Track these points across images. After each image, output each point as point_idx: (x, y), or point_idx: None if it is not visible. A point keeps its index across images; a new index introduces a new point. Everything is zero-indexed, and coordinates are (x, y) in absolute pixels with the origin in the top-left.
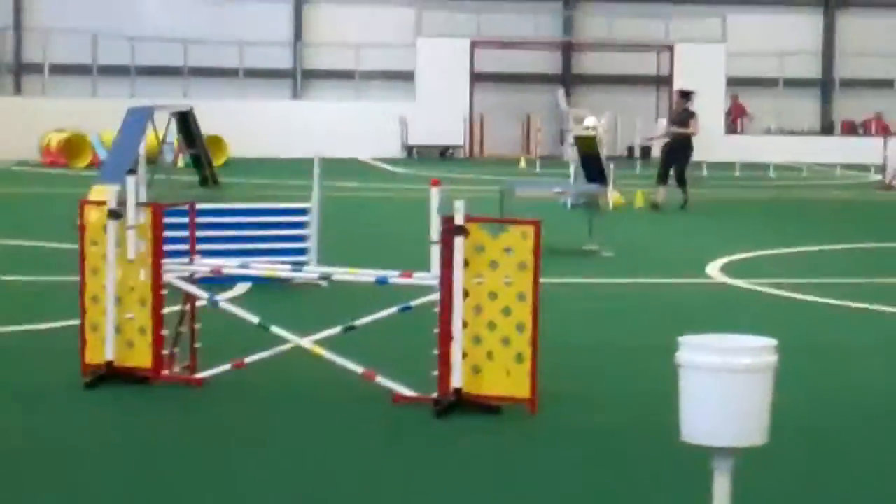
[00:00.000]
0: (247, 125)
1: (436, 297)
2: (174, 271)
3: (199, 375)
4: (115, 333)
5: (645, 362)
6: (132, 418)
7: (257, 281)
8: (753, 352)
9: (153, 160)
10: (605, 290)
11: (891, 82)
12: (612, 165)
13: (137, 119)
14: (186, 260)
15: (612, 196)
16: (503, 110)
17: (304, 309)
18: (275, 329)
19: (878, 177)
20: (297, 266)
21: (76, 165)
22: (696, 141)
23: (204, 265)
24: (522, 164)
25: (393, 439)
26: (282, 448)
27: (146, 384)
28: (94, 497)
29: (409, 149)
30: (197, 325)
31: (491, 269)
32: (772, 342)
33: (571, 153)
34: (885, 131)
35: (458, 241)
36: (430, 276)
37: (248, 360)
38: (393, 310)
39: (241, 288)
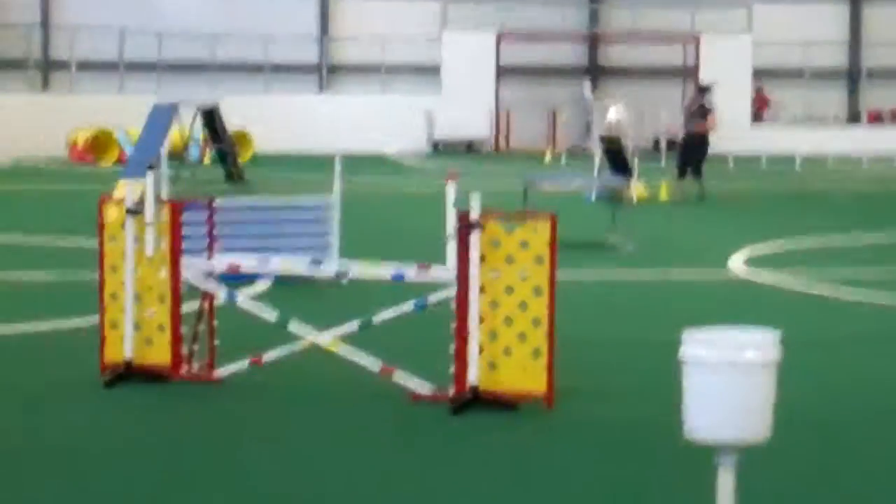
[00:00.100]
0: (273, 120)
1: (452, 292)
2: (193, 268)
3: (217, 373)
4: (134, 331)
5: (662, 357)
6: (151, 416)
7: (275, 278)
8: (756, 346)
9: (179, 156)
10: (625, 284)
11: None
12: (636, 158)
13: (162, 115)
14: (205, 257)
15: (636, 189)
16: (529, 103)
17: (324, 305)
18: (292, 326)
19: None
20: (315, 262)
21: (103, 162)
22: (722, 131)
23: (222, 262)
24: (548, 157)
25: (410, 436)
26: (298, 446)
27: (165, 382)
28: (113, 494)
29: (434, 143)
30: (215, 323)
31: (507, 263)
32: (775, 336)
33: (597, 141)
34: None
35: (474, 236)
36: (446, 271)
37: (265, 357)
38: (410, 305)
39: (262, 284)
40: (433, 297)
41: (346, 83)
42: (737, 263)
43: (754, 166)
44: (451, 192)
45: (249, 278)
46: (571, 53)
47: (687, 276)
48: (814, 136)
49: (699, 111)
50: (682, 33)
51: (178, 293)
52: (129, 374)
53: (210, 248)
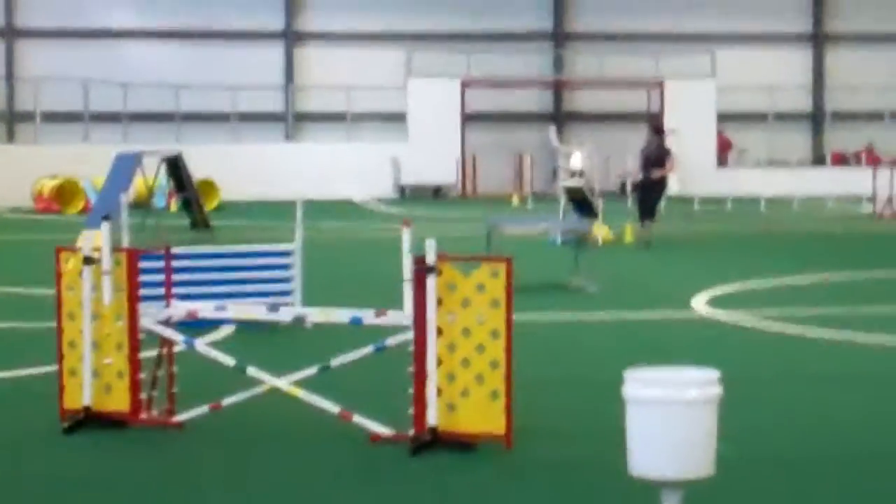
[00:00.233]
0: (240, 168)
1: (410, 335)
2: (150, 316)
3: (177, 418)
4: (93, 378)
5: (620, 397)
6: (111, 462)
7: (238, 323)
8: (697, 384)
9: (144, 205)
10: (587, 326)
11: (881, 114)
12: (601, 201)
13: (125, 165)
14: (163, 304)
15: (602, 231)
16: (495, 149)
17: (284, 349)
18: (251, 371)
19: (870, 207)
20: (273, 307)
21: (69, 211)
22: (686, 174)
23: (180, 309)
24: (515, 201)
25: (370, 478)
26: (259, 490)
27: (125, 428)
28: None
29: (402, 189)
30: (175, 369)
31: (463, 306)
32: (715, 374)
33: (561, 190)
34: (875, 162)
35: (430, 280)
36: (403, 316)
37: (225, 402)
38: (368, 349)
39: (224, 330)
40: (391, 341)
41: (313, 131)
42: (700, 303)
43: (719, 208)
44: (406, 237)
45: (213, 324)
46: (537, 99)
47: (649, 317)
48: (778, 179)
49: (656, 155)
50: (646, 79)
51: (135, 340)
52: (88, 420)
53: (168, 296)
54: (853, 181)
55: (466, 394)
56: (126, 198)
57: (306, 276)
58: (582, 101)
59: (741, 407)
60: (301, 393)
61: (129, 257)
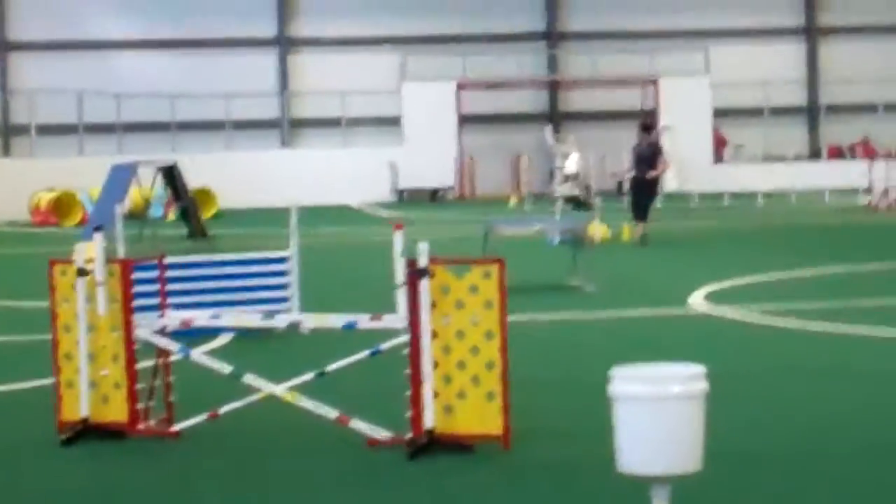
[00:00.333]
0: (237, 176)
1: (405, 339)
2: (146, 326)
3: (175, 428)
4: (90, 389)
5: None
6: (109, 473)
7: (236, 331)
8: (683, 380)
9: (140, 215)
10: (584, 325)
11: (875, 106)
12: (598, 200)
13: (120, 176)
14: (158, 314)
15: (599, 230)
16: (492, 150)
17: (281, 356)
18: (248, 378)
19: (866, 200)
20: (268, 315)
21: (66, 224)
22: (683, 172)
23: (175, 318)
24: (513, 202)
25: (369, 483)
26: (258, 497)
27: (122, 439)
28: None
29: (399, 193)
30: (171, 378)
31: (457, 308)
32: (701, 369)
33: (559, 190)
34: (871, 154)
35: (423, 283)
36: (397, 319)
37: (222, 410)
38: (364, 354)
39: (221, 339)
40: (387, 345)
41: (308, 137)
42: (697, 300)
43: (716, 205)
44: (398, 241)
45: (209, 333)
46: (532, 100)
47: (647, 315)
48: (775, 173)
49: (647, 153)
50: (640, 77)
51: (131, 351)
52: (86, 431)
53: (163, 305)
54: (849, 174)
55: (463, 396)
56: (121, 209)
57: (303, 282)
58: (577, 100)
59: (737, 402)
60: (298, 399)
61: (122, 268)
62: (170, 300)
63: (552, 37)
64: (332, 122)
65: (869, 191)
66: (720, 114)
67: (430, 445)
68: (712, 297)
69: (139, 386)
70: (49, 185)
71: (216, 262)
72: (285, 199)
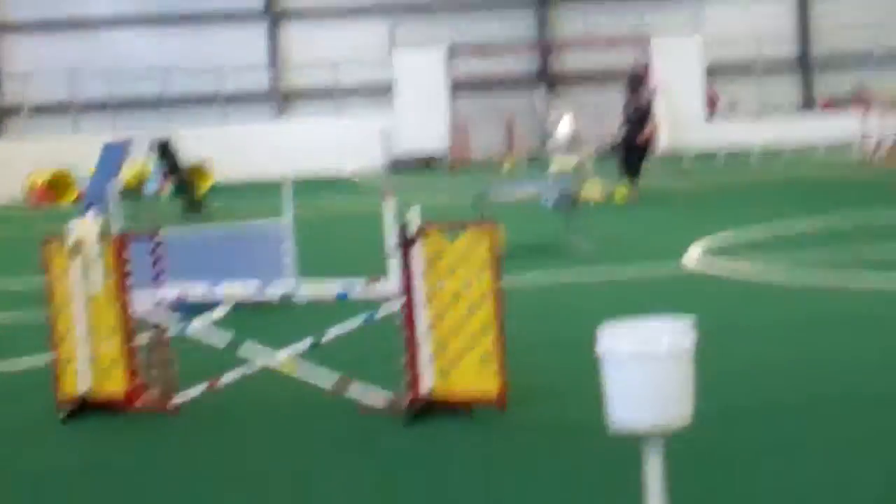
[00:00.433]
0: (230, 149)
1: (399, 304)
2: (142, 300)
3: (174, 401)
4: (89, 366)
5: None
6: (109, 447)
7: (233, 304)
8: (670, 334)
9: (135, 192)
10: (579, 285)
11: (870, 53)
12: (592, 162)
13: (113, 154)
14: (153, 288)
15: (593, 191)
16: (485, 115)
17: (278, 327)
18: (245, 349)
19: (861, 152)
20: (264, 285)
21: (63, 203)
22: (676, 130)
23: (171, 292)
24: (507, 166)
25: (367, 448)
26: (258, 466)
27: (121, 413)
28: None
29: (392, 161)
30: (169, 352)
31: (451, 273)
32: (688, 324)
33: (551, 152)
34: (865, 105)
35: (416, 249)
36: (391, 286)
37: (220, 382)
38: (358, 321)
39: (218, 311)
40: (382, 311)
41: (300, 108)
42: (693, 257)
43: (710, 162)
44: (389, 208)
45: (206, 306)
46: (524, 62)
47: (642, 273)
48: (769, 129)
49: (636, 113)
50: (632, 36)
51: (128, 325)
52: (85, 407)
53: (157, 279)
54: (844, 126)
55: (458, 359)
56: (115, 186)
57: (299, 251)
58: (569, 61)
59: (728, 355)
60: (296, 368)
61: (117, 243)
62: (166, 274)
63: None
64: (323, 93)
65: (863, 143)
66: (713, 71)
67: (427, 409)
68: (707, 254)
69: (137, 361)
70: (44, 166)
71: (212, 234)
72: (280, 171)
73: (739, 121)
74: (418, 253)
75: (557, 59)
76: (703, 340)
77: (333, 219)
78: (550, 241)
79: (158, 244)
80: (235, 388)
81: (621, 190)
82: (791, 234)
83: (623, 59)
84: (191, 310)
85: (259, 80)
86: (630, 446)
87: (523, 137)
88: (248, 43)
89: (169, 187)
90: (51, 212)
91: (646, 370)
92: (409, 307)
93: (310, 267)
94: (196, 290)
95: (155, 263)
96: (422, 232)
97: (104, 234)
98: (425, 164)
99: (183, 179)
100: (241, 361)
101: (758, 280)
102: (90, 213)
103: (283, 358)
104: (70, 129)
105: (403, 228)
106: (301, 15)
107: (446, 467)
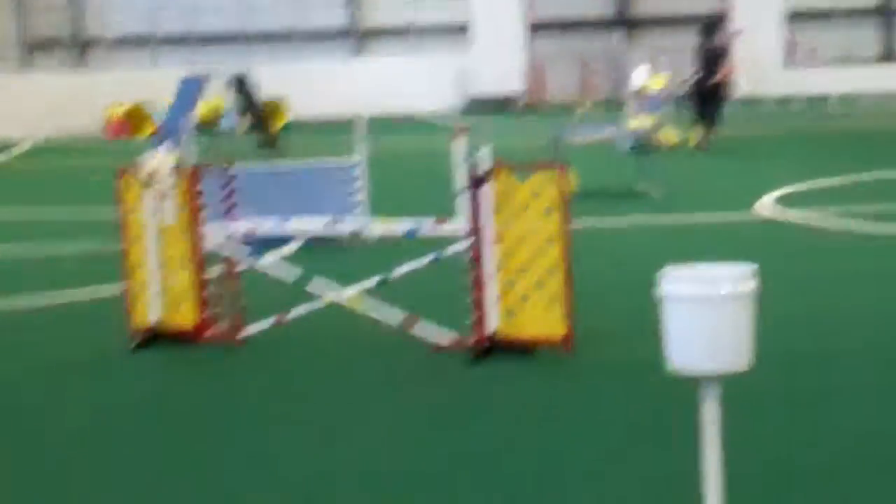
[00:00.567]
0: (307, 86)
1: (467, 244)
2: (214, 234)
3: (243, 334)
4: (159, 297)
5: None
6: (178, 377)
7: (304, 239)
8: (732, 279)
9: (211, 126)
10: (650, 230)
11: None
12: (668, 106)
13: (190, 88)
14: (225, 222)
15: (669, 136)
16: (561, 57)
17: (348, 264)
18: (313, 285)
19: None
20: (334, 221)
21: (140, 136)
22: (754, 75)
23: (242, 226)
24: (582, 109)
25: (432, 385)
26: (322, 402)
27: (191, 344)
28: (136, 458)
29: (468, 101)
30: (239, 286)
31: (520, 213)
32: (750, 269)
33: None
34: None
35: (486, 189)
36: (459, 225)
37: (288, 317)
38: (426, 260)
39: (289, 247)
40: (450, 250)
41: (378, 46)
42: (765, 204)
43: (788, 109)
44: (460, 147)
45: (277, 241)
46: (603, 5)
47: (714, 220)
48: (848, 77)
49: (710, 57)
50: None
51: (199, 258)
52: (156, 337)
53: (229, 213)
54: None
55: (525, 300)
56: (191, 119)
57: (371, 190)
58: (648, 5)
59: (792, 302)
60: (363, 304)
61: (189, 176)
62: (238, 208)
63: None
64: (400, 31)
65: None
66: (793, 17)
67: (493, 349)
68: (780, 202)
69: (207, 293)
70: (122, 98)
71: (285, 170)
72: (356, 109)
73: (818, 68)
74: (488, 193)
75: (636, 3)
76: (769, 286)
77: (407, 158)
78: (623, 186)
79: (231, 178)
80: (303, 323)
81: (694, 136)
82: (868, 184)
83: (702, 3)
84: (262, 244)
85: (337, 17)
86: (689, 388)
87: (599, 81)
88: None
89: (244, 122)
90: (127, 145)
91: (704, 314)
92: (476, 247)
93: (381, 206)
94: (267, 225)
95: (227, 197)
96: (491, 172)
97: (178, 167)
98: (501, 105)
99: (258, 115)
100: (310, 297)
101: (830, 229)
102: (164, 146)
103: (350, 294)
104: (148, 63)
105: (473, 168)
106: None
107: (509, 407)
